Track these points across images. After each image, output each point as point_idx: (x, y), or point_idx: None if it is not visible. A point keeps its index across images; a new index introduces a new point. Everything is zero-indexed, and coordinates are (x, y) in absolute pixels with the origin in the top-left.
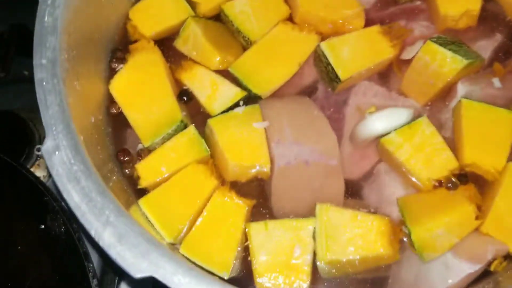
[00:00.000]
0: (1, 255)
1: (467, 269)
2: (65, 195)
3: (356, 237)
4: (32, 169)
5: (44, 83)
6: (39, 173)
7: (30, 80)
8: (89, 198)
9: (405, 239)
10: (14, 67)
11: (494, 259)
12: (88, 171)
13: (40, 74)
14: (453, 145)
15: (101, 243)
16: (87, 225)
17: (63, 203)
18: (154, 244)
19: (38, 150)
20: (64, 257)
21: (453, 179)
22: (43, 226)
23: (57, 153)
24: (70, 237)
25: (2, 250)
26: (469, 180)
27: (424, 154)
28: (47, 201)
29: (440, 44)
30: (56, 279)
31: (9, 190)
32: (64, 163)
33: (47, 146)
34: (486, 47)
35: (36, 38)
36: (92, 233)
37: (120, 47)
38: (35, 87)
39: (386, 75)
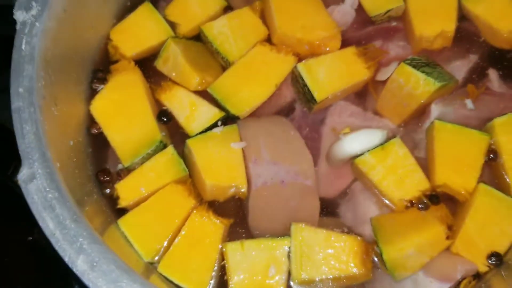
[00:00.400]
0: None
1: None
2: (40, 223)
3: (329, 257)
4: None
5: (20, 112)
6: None
7: None
8: (63, 225)
9: (376, 259)
10: (1, 79)
11: (464, 278)
12: (62, 198)
13: (16, 103)
14: (426, 165)
15: (74, 270)
16: (61, 252)
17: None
18: (126, 271)
19: None
20: (49, 266)
21: (425, 200)
22: (30, 238)
23: (33, 181)
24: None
25: None
26: (441, 201)
27: (396, 175)
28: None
29: (414, 66)
30: (41, 286)
31: None
32: (39, 191)
33: (22, 174)
34: (460, 68)
35: (13, 66)
36: (66, 259)
37: (101, 68)
38: (12, 115)
39: (362, 95)
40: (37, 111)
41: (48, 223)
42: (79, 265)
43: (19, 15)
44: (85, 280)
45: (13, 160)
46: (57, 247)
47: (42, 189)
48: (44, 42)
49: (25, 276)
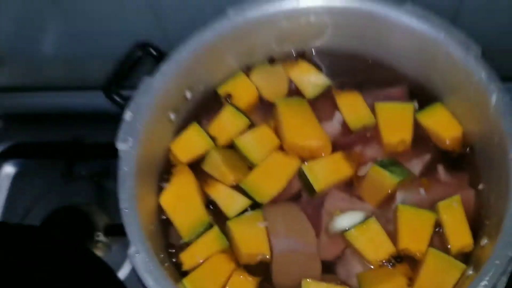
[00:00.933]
0: None
1: None
2: (144, 281)
3: None
4: (94, 250)
5: (126, 210)
6: (99, 253)
7: (87, 179)
8: (158, 282)
9: None
10: (74, 170)
11: None
12: (155, 264)
13: (124, 204)
14: (394, 235)
15: None
16: None
17: (119, 279)
18: None
19: (98, 235)
20: None
21: (392, 260)
22: None
23: (137, 255)
24: None
25: None
26: (403, 260)
27: (373, 244)
28: (108, 276)
29: (382, 166)
30: None
31: (79, 267)
32: (142, 261)
33: (131, 251)
34: (417, 164)
35: (120, 182)
36: None
37: (165, 171)
38: (121, 214)
39: (349, 185)
40: (134, 208)
41: (149, 281)
42: None
43: (120, 146)
44: None
45: (88, 234)
46: None
47: (144, 260)
48: (136, 162)
49: None
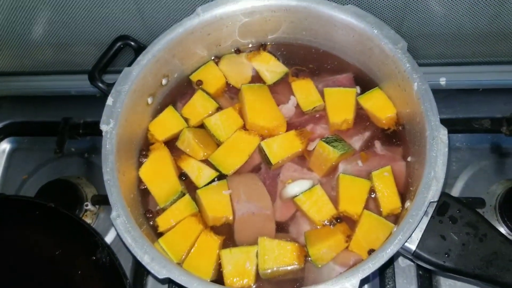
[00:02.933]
0: (68, 279)
1: (340, 270)
2: (123, 239)
3: (280, 255)
4: (83, 218)
5: (109, 182)
6: (88, 220)
7: (76, 155)
8: (135, 240)
9: (307, 258)
10: (65, 147)
11: (354, 264)
12: (133, 226)
13: (106, 176)
14: (336, 200)
15: (142, 262)
16: (134, 254)
17: (106, 241)
18: (169, 262)
19: (86, 205)
20: (109, 277)
21: (333, 221)
22: (94, 258)
23: (118, 219)
24: (113, 263)
25: (69, 275)
26: (343, 220)
27: (317, 207)
28: (96, 240)
29: (327, 142)
30: None
31: (70, 233)
32: (122, 223)
33: (113, 215)
34: (357, 141)
35: (103, 157)
36: (138, 257)
37: (144, 148)
38: (104, 184)
39: (301, 158)
40: (116, 180)
41: (128, 239)
42: (145, 260)
43: (103, 127)
44: (148, 267)
45: (78, 204)
46: (132, 251)
47: (124, 222)
48: (117, 141)
49: (91, 285)
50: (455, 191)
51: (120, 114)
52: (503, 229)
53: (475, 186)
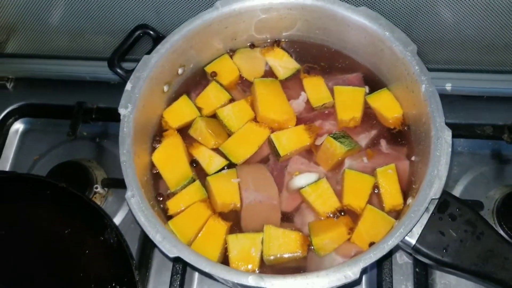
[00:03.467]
0: (76, 257)
1: (341, 260)
2: (137, 218)
3: (284, 243)
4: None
5: (125, 163)
6: (97, 201)
7: (88, 138)
8: (148, 219)
9: (310, 247)
10: (77, 130)
11: (355, 255)
12: (147, 206)
13: (123, 158)
14: (341, 193)
15: (154, 241)
16: (147, 232)
17: (114, 223)
18: (179, 242)
19: (96, 187)
20: (116, 258)
21: (337, 213)
22: (102, 238)
23: (132, 198)
24: (120, 244)
25: (77, 254)
26: (346, 213)
27: (322, 199)
28: (105, 221)
29: (334, 138)
30: (111, 272)
31: (79, 214)
32: (136, 203)
33: (128, 194)
34: (364, 138)
35: (120, 140)
36: (150, 236)
37: (158, 134)
38: (121, 165)
39: (308, 152)
40: (131, 161)
41: (141, 218)
42: (157, 238)
43: (121, 111)
44: (159, 246)
45: (88, 186)
46: (145, 229)
47: (138, 202)
48: (133, 125)
49: (99, 264)
50: (455, 194)
51: (137, 99)
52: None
53: (474, 190)
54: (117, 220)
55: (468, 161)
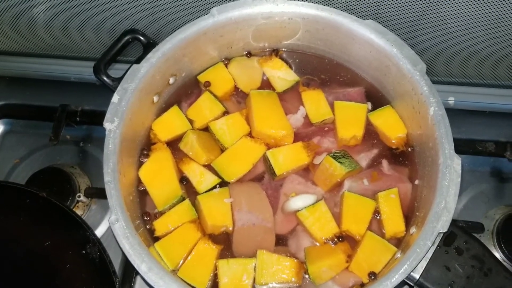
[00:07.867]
0: (56, 272)
1: None
2: (121, 245)
3: (278, 270)
4: (74, 209)
5: (109, 183)
6: (79, 212)
7: (71, 142)
8: (133, 247)
9: (305, 275)
10: (60, 133)
11: (353, 285)
12: (132, 232)
13: (107, 178)
14: (339, 217)
15: (139, 271)
16: (132, 262)
17: (97, 235)
18: (166, 272)
19: (79, 196)
20: (98, 273)
21: (335, 239)
22: (84, 252)
23: (116, 223)
24: (103, 260)
25: (57, 269)
26: (344, 240)
27: (320, 223)
28: (87, 234)
29: (334, 158)
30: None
31: (60, 225)
32: (121, 228)
33: (111, 219)
34: (365, 158)
35: (104, 157)
36: (135, 266)
37: (145, 147)
38: (105, 185)
39: (306, 171)
40: (116, 182)
41: (126, 246)
42: (142, 269)
43: (107, 126)
44: (145, 277)
45: (70, 194)
46: (130, 259)
47: (122, 227)
48: (120, 140)
49: (81, 279)
50: (454, 213)
51: (125, 113)
52: (498, 255)
53: (473, 209)
54: (101, 230)
55: (467, 178)
